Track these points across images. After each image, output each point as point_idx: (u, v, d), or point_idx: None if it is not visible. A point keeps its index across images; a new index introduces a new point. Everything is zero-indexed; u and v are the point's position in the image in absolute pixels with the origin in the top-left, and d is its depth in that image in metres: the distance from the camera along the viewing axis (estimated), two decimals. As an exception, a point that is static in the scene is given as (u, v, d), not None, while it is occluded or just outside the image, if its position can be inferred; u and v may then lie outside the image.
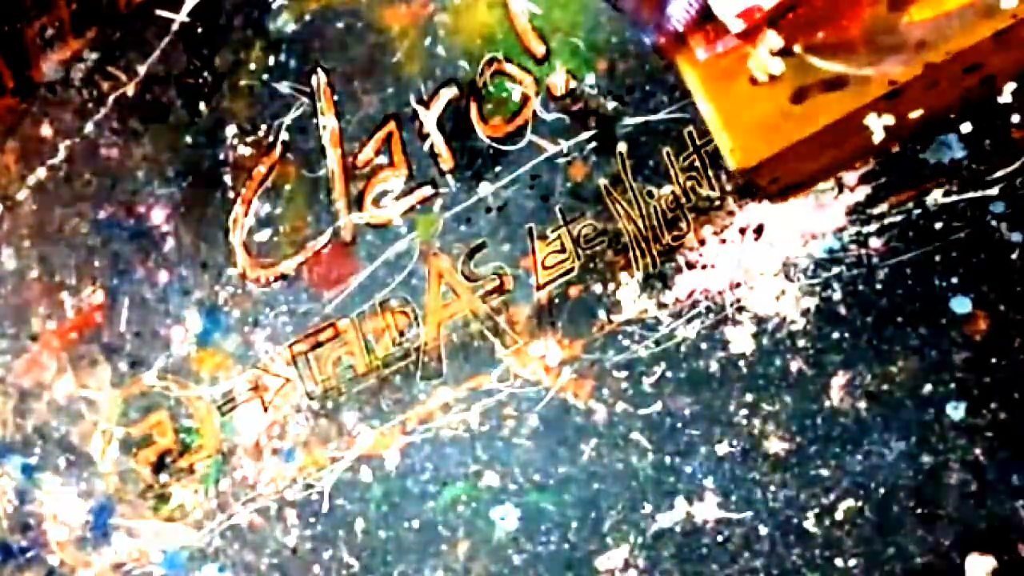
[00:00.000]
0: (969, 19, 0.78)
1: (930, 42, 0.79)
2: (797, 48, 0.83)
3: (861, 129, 0.88)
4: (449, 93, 1.29)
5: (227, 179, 1.46)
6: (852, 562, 1.07)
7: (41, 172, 1.63)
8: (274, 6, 1.43)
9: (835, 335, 1.08)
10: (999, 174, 1.02)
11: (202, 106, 1.49)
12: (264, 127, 1.43)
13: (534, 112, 1.22)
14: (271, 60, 1.43)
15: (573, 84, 1.20)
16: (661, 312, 1.17)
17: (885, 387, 1.06)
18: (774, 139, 0.85)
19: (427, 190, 1.30)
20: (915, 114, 0.91)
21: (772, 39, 0.84)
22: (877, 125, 0.88)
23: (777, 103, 0.84)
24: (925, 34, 0.79)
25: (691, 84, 0.88)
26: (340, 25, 1.37)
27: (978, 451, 1.02)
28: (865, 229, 1.07)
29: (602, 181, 1.18)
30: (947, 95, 0.91)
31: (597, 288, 1.19)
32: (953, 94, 0.92)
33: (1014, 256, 1.01)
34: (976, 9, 0.78)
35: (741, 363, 1.13)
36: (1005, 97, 0.97)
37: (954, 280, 1.03)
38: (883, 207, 1.06)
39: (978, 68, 0.86)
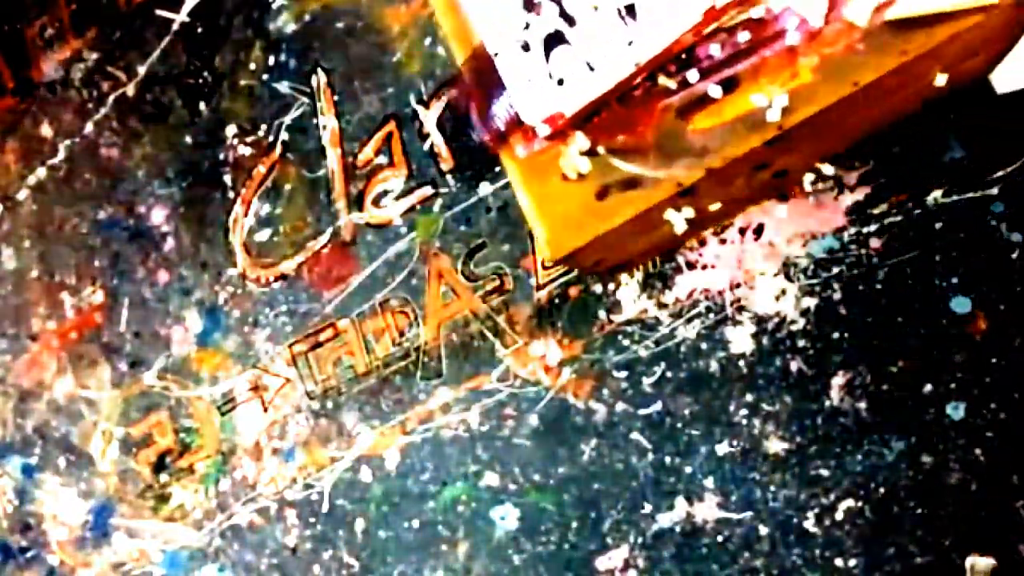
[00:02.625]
0: (741, 130, 0.85)
1: (711, 148, 0.86)
2: (601, 149, 0.90)
3: (664, 221, 0.96)
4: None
5: (227, 179, 1.46)
6: (852, 562, 1.07)
7: (41, 172, 1.63)
8: (274, 6, 1.43)
9: (835, 335, 1.08)
10: (999, 174, 1.02)
11: (202, 106, 1.49)
12: (264, 127, 1.43)
13: (534, 112, 1.22)
14: (271, 60, 1.43)
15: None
16: (661, 312, 1.17)
17: (885, 387, 1.06)
18: (581, 232, 0.91)
19: (427, 190, 1.30)
20: (714, 207, 1.00)
21: (580, 140, 0.90)
22: (677, 218, 0.96)
23: (584, 199, 0.90)
24: (707, 141, 0.86)
25: (512, 179, 0.94)
26: (340, 25, 1.37)
27: (978, 451, 1.02)
28: (865, 229, 1.07)
29: (602, 181, 1.18)
30: (745, 188, 1.00)
31: (597, 288, 1.19)
32: (751, 186, 1.01)
33: (1014, 256, 1.01)
34: (747, 121, 0.85)
35: (741, 363, 1.13)
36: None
37: (954, 280, 1.03)
38: (883, 207, 1.06)
39: (766, 166, 0.94)
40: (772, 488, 1.11)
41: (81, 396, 1.57)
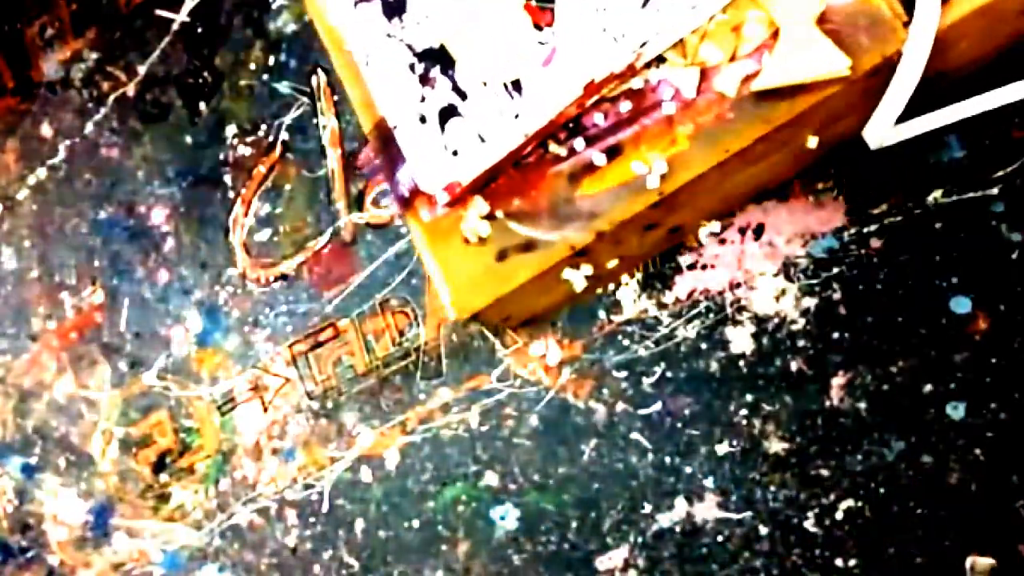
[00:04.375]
0: (624, 195, 0.89)
1: (599, 213, 0.90)
2: (499, 214, 0.94)
3: (563, 280, 0.99)
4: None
5: (227, 179, 1.46)
6: (852, 562, 1.07)
7: (41, 172, 1.63)
8: (274, 6, 1.43)
9: (835, 335, 1.08)
10: (999, 174, 1.02)
11: (202, 106, 1.49)
12: (264, 127, 1.43)
13: (534, 112, 1.22)
14: (271, 60, 1.43)
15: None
16: (661, 312, 1.17)
17: (885, 387, 1.06)
18: (484, 293, 0.95)
19: (427, 190, 1.30)
20: (612, 263, 1.04)
21: (480, 205, 0.94)
22: (576, 277, 0.99)
23: (485, 261, 0.94)
24: (594, 206, 0.90)
25: (418, 241, 0.98)
26: (340, 25, 1.37)
27: (978, 451, 1.02)
28: (865, 229, 1.07)
29: (602, 181, 1.18)
30: (640, 245, 1.04)
31: (597, 288, 1.19)
32: (646, 243, 1.05)
33: (1014, 256, 1.01)
34: (629, 187, 0.89)
35: (741, 363, 1.13)
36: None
37: (954, 280, 1.04)
38: (883, 207, 1.06)
39: (655, 226, 0.99)
40: (772, 488, 1.11)
41: (81, 396, 1.57)
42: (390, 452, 1.32)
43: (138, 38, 1.55)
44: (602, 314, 1.20)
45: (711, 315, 1.14)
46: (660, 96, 0.87)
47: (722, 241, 1.13)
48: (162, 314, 1.50)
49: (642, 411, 1.18)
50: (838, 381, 1.08)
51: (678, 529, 1.15)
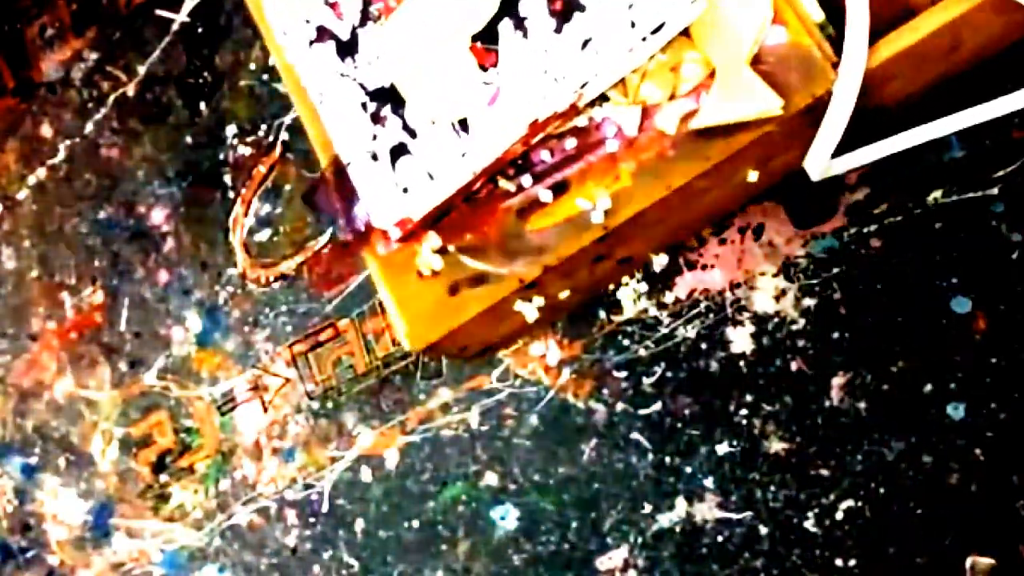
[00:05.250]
0: (570, 231, 0.91)
1: (547, 247, 0.92)
2: (451, 248, 0.95)
3: (515, 312, 1.01)
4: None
5: (227, 179, 1.46)
6: (852, 562, 1.07)
7: (41, 172, 1.63)
8: (274, 6, 1.43)
9: (835, 335, 1.08)
10: (999, 174, 1.02)
11: (202, 106, 1.49)
12: (264, 127, 1.43)
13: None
14: (271, 60, 1.43)
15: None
16: (661, 312, 1.17)
17: (885, 387, 1.06)
18: (437, 326, 0.96)
19: (427, 190, 1.30)
20: (564, 295, 1.05)
21: (433, 239, 0.96)
22: (528, 308, 1.00)
23: (438, 295, 0.96)
24: (542, 241, 0.92)
25: (374, 275, 0.99)
26: (340, 25, 1.37)
27: (978, 451, 1.02)
28: (865, 229, 1.07)
29: (602, 181, 1.18)
30: (590, 276, 1.06)
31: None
32: (596, 274, 1.06)
33: (1014, 256, 1.01)
34: (574, 223, 0.91)
35: (741, 363, 1.13)
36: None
37: (954, 280, 1.04)
38: (883, 207, 1.06)
39: (604, 258, 1.00)
40: (772, 488, 1.11)
41: (81, 396, 1.57)
42: (390, 452, 1.32)
43: (138, 38, 1.55)
44: (602, 314, 1.20)
45: (711, 315, 1.14)
46: (604, 134, 0.89)
47: (722, 241, 1.13)
48: (162, 314, 1.50)
49: (642, 411, 1.18)
50: (838, 381, 1.08)
51: (678, 529, 1.15)
